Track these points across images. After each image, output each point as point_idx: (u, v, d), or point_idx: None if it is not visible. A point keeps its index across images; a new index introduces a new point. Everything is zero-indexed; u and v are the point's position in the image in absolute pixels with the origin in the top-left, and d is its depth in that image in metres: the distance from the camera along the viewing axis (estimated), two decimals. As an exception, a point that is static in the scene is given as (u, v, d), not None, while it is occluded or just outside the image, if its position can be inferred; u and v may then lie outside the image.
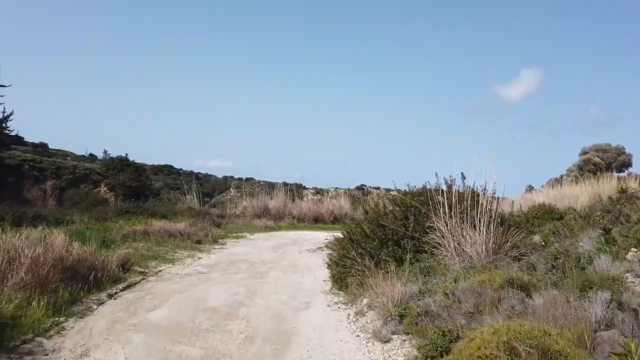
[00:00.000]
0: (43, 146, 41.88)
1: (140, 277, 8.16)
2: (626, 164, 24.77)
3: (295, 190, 27.71)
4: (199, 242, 13.47)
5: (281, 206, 21.19)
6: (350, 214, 22.30)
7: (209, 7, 68.87)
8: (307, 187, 38.76)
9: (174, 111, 73.34)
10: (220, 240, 14.49)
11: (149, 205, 19.03)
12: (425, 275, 6.89)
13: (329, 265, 9.03)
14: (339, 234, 19.11)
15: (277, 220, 20.48)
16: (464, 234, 7.43)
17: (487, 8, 59.73)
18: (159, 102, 70.69)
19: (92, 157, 40.85)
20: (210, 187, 42.44)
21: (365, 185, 39.68)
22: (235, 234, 16.50)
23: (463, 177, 8.69)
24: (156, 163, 44.37)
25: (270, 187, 27.45)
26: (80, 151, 42.85)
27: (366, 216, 8.96)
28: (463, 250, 7.37)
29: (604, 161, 24.17)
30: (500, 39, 61.41)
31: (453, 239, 7.48)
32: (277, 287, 8.24)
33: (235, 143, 71.13)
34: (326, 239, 16.92)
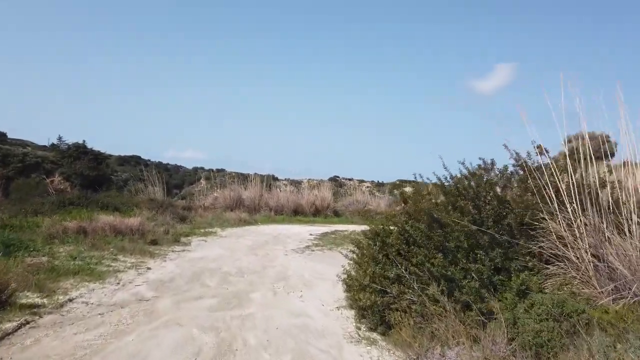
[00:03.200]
0: (2, 136, 36.49)
1: (23, 318, 4.18)
2: (612, 153, 22.06)
3: (270, 181, 23.76)
4: (154, 242, 9.49)
5: (256, 197, 17.28)
6: (332, 205, 18.61)
7: (188, 6, 63.37)
8: (279, 178, 35.03)
9: (145, 102, 67.42)
10: (183, 239, 10.52)
11: (100, 196, 14.80)
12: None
13: (348, 287, 5.28)
14: (322, 228, 15.40)
15: (252, 212, 16.57)
16: (608, 240, 3.84)
17: (465, 7, 56.69)
18: (130, 93, 64.75)
19: (54, 147, 35.72)
20: (179, 179, 37.98)
21: (338, 177, 36.12)
22: (203, 230, 12.52)
23: (540, 152, 5.10)
24: (122, 154, 39.52)
25: (243, 178, 23.57)
26: (43, 141, 37.51)
27: (404, 208, 5.28)
28: (609, 268, 3.78)
29: (589, 149, 21.37)
30: (476, 35, 58.40)
31: (585, 248, 3.87)
32: (269, 327, 4.45)
33: (209, 135, 66.01)
34: (311, 235, 13.22)
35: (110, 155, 38.40)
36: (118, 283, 5.91)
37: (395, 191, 29.10)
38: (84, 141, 24.39)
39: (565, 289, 3.75)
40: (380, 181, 37.27)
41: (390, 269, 4.42)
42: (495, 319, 3.58)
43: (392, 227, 5.16)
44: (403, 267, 4.29)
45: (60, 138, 25.27)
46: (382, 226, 5.11)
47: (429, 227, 4.59)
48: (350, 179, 36.84)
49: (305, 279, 7.03)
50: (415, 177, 5.29)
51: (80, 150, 24.06)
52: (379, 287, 4.39)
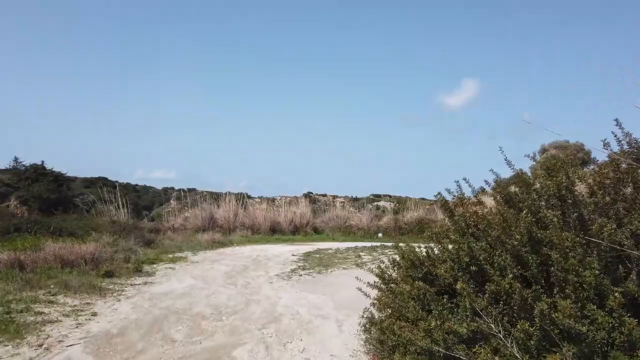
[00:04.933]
0: (-46, 159, 33.08)
1: None
2: (585, 161, 21.28)
3: (244, 199, 21.80)
4: (109, 273, 7.45)
5: (231, 216, 15.30)
6: (312, 222, 16.84)
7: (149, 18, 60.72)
8: (252, 196, 33.04)
9: (112, 122, 63.34)
10: (146, 268, 8.50)
11: (53, 220, 12.53)
12: None
13: (381, 342, 3.47)
14: (304, 247, 13.57)
15: (227, 233, 14.59)
16: None
17: (431, 23, 56.08)
18: (95, 112, 60.84)
19: (10, 170, 32.47)
20: (149, 200, 35.31)
21: (312, 193, 34.41)
22: (171, 255, 10.48)
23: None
24: (89, 176, 36.62)
25: (215, 197, 21.51)
26: (2, 164, 34.17)
27: (453, 224, 3.55)
28: None
29: (567, 158, 20.50)
30: (443, 52, 57.52)
31: None
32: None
33: (179, 153, 62.49)
34: (294, 255, 11.39)
35: (76, 178, 35.41)
36: (41, 345, 3.94)
37: (374, 203, 27.55)
38: (42, 162, 21.80)
39: None
40: (354, 196, 35.77)
41: (461, 320, 2.70)
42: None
43: (435, 250, 3.47)
44: (494, 322, 2.57)
45: (16, 159, 22.37)
46: (424, 249, 3.40)
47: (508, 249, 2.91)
48: (324, 195, 35.26)
49: (301, 318, 5.22)
50: (458, 185, 3.59)
51: (39, 172, 21.47)
52: (442, 349, 2.65)
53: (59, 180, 21.57)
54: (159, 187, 40.38)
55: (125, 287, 6.75)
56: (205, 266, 9.11)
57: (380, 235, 16.08)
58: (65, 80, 59.25)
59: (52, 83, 58.99)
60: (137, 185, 37.95)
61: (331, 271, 8.86)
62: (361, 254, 11.84)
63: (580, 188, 3.36)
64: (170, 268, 8.73)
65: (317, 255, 11.40)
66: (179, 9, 58.42)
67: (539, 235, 2.59)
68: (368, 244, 14.04)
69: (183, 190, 35.82)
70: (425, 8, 53.98)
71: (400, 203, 23.59)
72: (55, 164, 22.39)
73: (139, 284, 6.99)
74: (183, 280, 7.42)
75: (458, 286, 2.84)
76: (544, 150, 21.26)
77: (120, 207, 15.08)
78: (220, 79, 62.54)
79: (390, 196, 33.21)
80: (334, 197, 35.24)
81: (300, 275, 8.29)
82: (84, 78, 58.65)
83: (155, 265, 8.91)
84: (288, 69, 60.19)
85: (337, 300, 6.22)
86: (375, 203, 33.00)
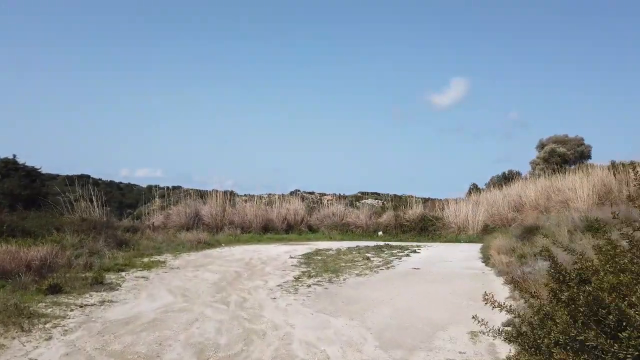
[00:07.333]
0: None
1: None
2: (585, 155, 19.69)
3: (233, 196, 19.40)
4: (54, 288, 5.13)
5: (219, 212, 12.99)
6: (307, 220, 14.67)
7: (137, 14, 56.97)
8: (239, 194, 30.63)
9: (96, 117, 58.64)
10: (110, 277, 6.19)
11: (8, 217, 10.04)
12: None
13: None
14: (301, 247, 11.36)
15: (214, 231, 12.30)
16: None
17: (422, 23, 53.74)
18: (78, 108, 56.47)
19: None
20: (133, 198, 32.47)
21: (299, 190, 32.20)
22: (146, 259, 8.16)
23: None
24: (71, 173, 33.48)
25: (201, 194, 19.14)
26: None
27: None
28: None
29: (569, 152, 18.84)
30: (432, 50, 54.95)
31: None
32: None
33: (165, 152, 58.43)
34: (292, 258, 9.20)
35: (58, 175, 32.42)
36: None
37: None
38: (14, 156, 18.99)
39: None
40: (341, 194, 33.69)
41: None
42: None
43: None
44: None
45: (-15, 153, 19.41)
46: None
47: None
48: (311, 193, 33.15)
49: (336, 368, 3.06)
50: None
51: (9, 167, 18.69)
52: None
53: (31, 175, 18.83)
54: (143, 184, 37.46)
55: (71, 309, 4.47)
56: (187, 274, 6.86)
57: (380, 233, 14.04)
58: (52, 77, 55.30)
59: (37, 80, 55.00)
60: (121, 183, 35.00)
61: (344, 279, 6.75)
62: (368, 255, 9.76)
63: None
64: (142, 277, 6.44)
65: (319, 258, 9.27)
66: (161, 2, 54.73)
67: None
68: (371, 244, 11.97)
69: (168, 187, 33.09)
70: (416, 7, 51.93)
71: (391, 201, 21.62)
72: (42, 164, 19.70)
73: (93, 305, 4.71)
74: (156, 297, 5.17)
75: None
76: (542, 145, 19.60)
77: (97, 204, 12.60)
78: (207, 77, 59.15)
79: (378, 194, 31.29)
80: (322, 194, 33.18)
81: (309, 286, 6.14)
82: (70, 76, 54.82)
83: (123, 274, 6.61)
84: (273, 66, 57.15)
85: (374, 328, 4.10)
86: (363, 201, 30.97)
